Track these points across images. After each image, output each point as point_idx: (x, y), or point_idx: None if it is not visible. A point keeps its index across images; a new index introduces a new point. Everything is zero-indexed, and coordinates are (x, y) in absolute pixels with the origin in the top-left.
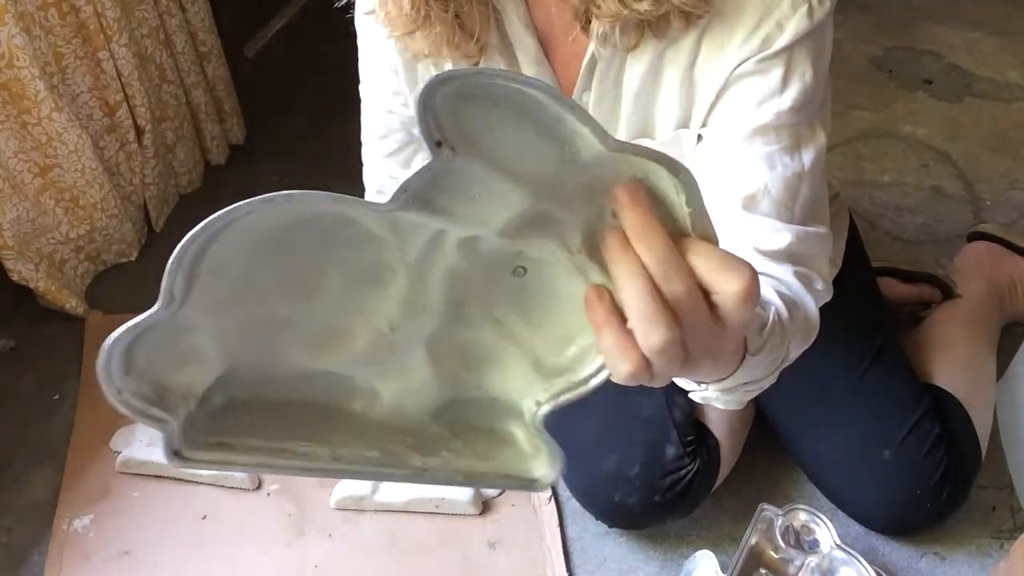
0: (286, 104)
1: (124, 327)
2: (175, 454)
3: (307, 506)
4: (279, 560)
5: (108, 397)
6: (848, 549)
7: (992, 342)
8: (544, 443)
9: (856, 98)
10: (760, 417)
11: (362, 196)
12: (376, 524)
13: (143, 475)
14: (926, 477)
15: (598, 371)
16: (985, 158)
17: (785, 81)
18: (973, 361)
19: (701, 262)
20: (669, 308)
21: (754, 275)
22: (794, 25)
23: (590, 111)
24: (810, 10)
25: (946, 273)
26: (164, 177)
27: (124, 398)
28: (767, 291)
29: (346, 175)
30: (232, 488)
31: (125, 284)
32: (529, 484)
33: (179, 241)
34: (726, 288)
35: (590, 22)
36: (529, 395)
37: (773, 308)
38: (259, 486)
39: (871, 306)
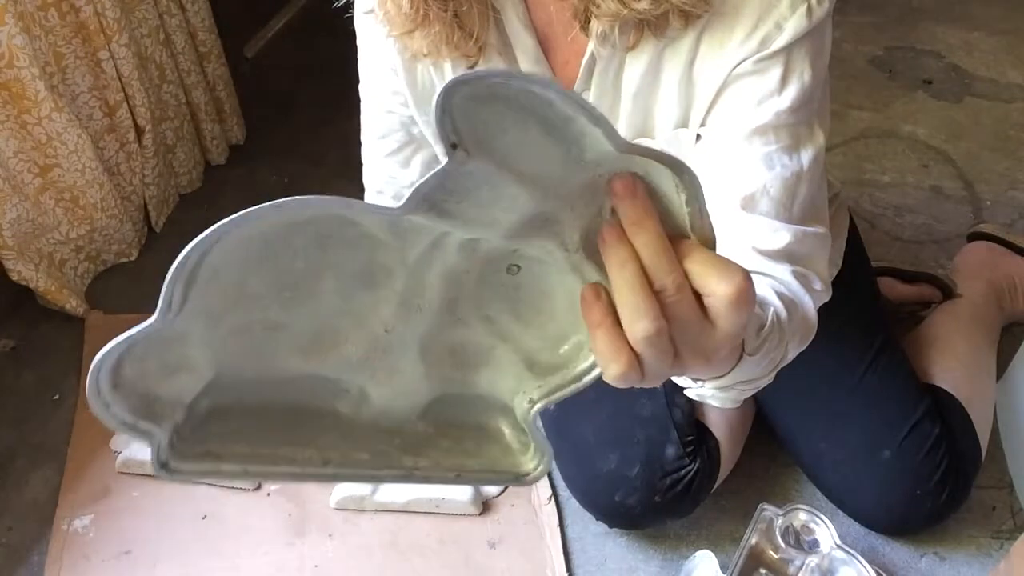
0: (286, 104)
1: (116, 340)
2: (163, 466)
3: (307, 506)
4: (279, 560)
5: (95, 411)
6: (848, 549)
7: (992, 342)
8: (533, 438)
9: (856, 98)
10: (760, 417)
11: (361, 196)
12: (376, 524)
13: (143, 475)
14: (926, 477)
15: (591, 368)
16: (985, 158)
17: (784, 81)
18: (973, 361)
19: (695, 264)
20: (657, 300)
21: (747, 279)
22: (793, 25)
23: None
24: (809, 10)
25: (946, 273)
26: (164, 177)
27: (113, 411)
28: (766, 291)
29: (346, 175)
30: (232, 488)
31: (125, 284)
32: (520, 479)
33: (179, 241)
34: (716, 290)
35: (589, 21)
36: (521, 392)
37: (772, 309)
38: (259, 486)
39: (871, 306)
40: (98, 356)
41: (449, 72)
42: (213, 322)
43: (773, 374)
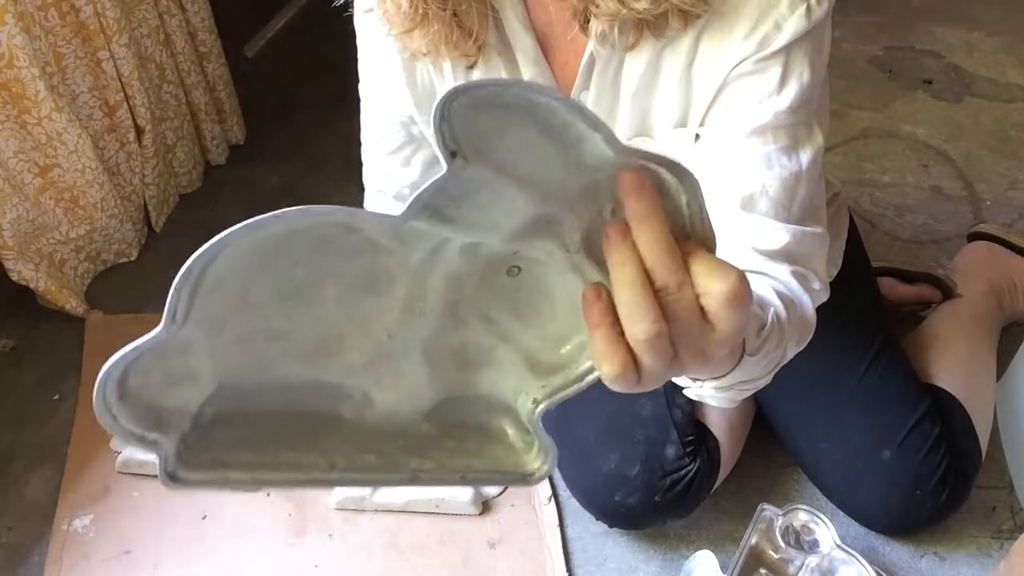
0: (286, 104)
1: (121, 352)
2: (171, 476)
3: (307, 506)
4: (279, 560)
5: (104, 424)
6: (848, 549)
7: (992, 342)
8: (537, 438)
9: (856, 98)
10: (760, 417)
11: (362, 196)
12: (376, 524)
13: (143, 475)
14: (926, 477)
15: (593, 368)
16: (985, 158)
17: (783, 81)
18: (973, 361)
19: (694, 264)
20: (658, 301)
21: (742, 279)
22: (792, 25)
23: None
24: (808, 10)
25: (946, 273)
26: (164, 177)
27: (120, 423)
28: (766, 291)
29: (346, 175)
30: None
31: (125, 284)
32: (525, 479)
33: (179, 241)
34: (711, 289)
35: (588, 21)
36: (524, 392)
37: (772, 309)
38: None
39: (871, 306)
40: (104, 368)
41: (448, 71)
42: (216, 331)
43: (772, 375)
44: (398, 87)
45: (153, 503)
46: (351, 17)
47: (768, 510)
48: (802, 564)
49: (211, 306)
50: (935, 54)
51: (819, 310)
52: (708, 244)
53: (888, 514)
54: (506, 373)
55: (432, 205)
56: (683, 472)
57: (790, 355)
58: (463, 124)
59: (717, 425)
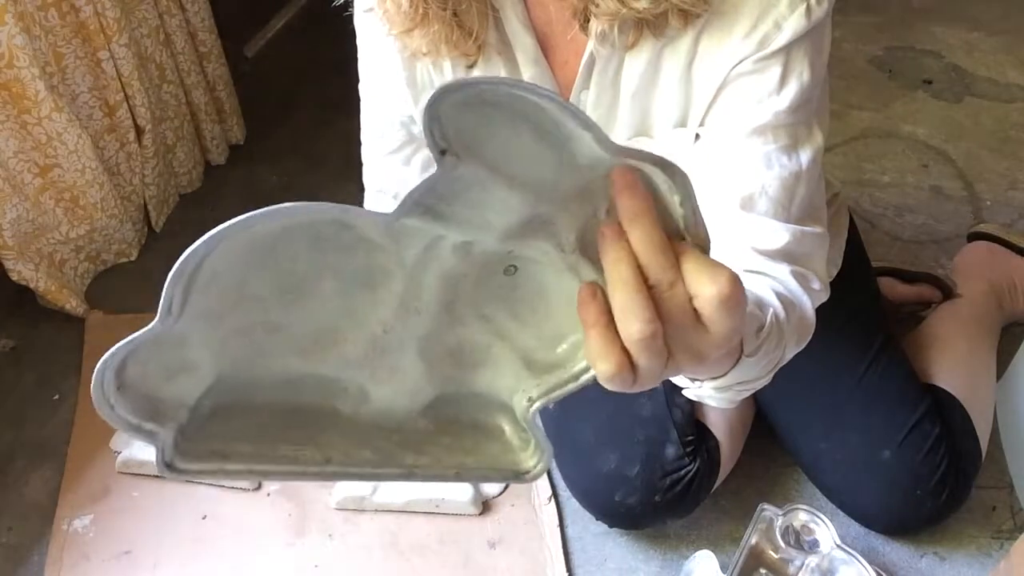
0: (286, 104)
1: (120, 344)
2: (168, 466)
3: (307, 506)
4: (279, 560)
5: (102, 413)
6: (848, 549)
7: (992, 342)
8: (533, 435)
9: (856, 98)
10: (760, 417)
11: (362, 196)
12: (376, 524)
13: (143, 475)
14: (926, 477)
15: (589, 367)
16: (985, 158)
17: (783, 81)
18: (973, 361)
19: (686, 264)
20: (652, 301)
21: (733, 281)
22: (792, 25)
23: (588, 110)
24: (808, 10)
25: (946, 273)
26: (164, 177)
27: (117, 413)
28: (765, 292)
29: (346, 175)
30: (232, 488)
31: (125, 284)
32: (520, 476)
33: (179, 241)
34: (703, 291)
35: (588, 21)
36: (520, 391)
37: (771, 310)
38: (259, 486)
39: (871, 306)
40: (102, 359)
41: (448, 71)
42: (213, 324)
43: (771, 375)
44: (398, 86)
45: (153, 503)
46: (351, 17)
47: (768, 510)
48: (802, 564)
49: (208, 300)
50: (935, 54)
51: (819, 310)
52: (702, 244)
53: (888, 514)
54: (502, 371)
55: (424, 202)
56: (683, 472)
57: (789, 355)
58: (453, 122)
59: (717, 425)
